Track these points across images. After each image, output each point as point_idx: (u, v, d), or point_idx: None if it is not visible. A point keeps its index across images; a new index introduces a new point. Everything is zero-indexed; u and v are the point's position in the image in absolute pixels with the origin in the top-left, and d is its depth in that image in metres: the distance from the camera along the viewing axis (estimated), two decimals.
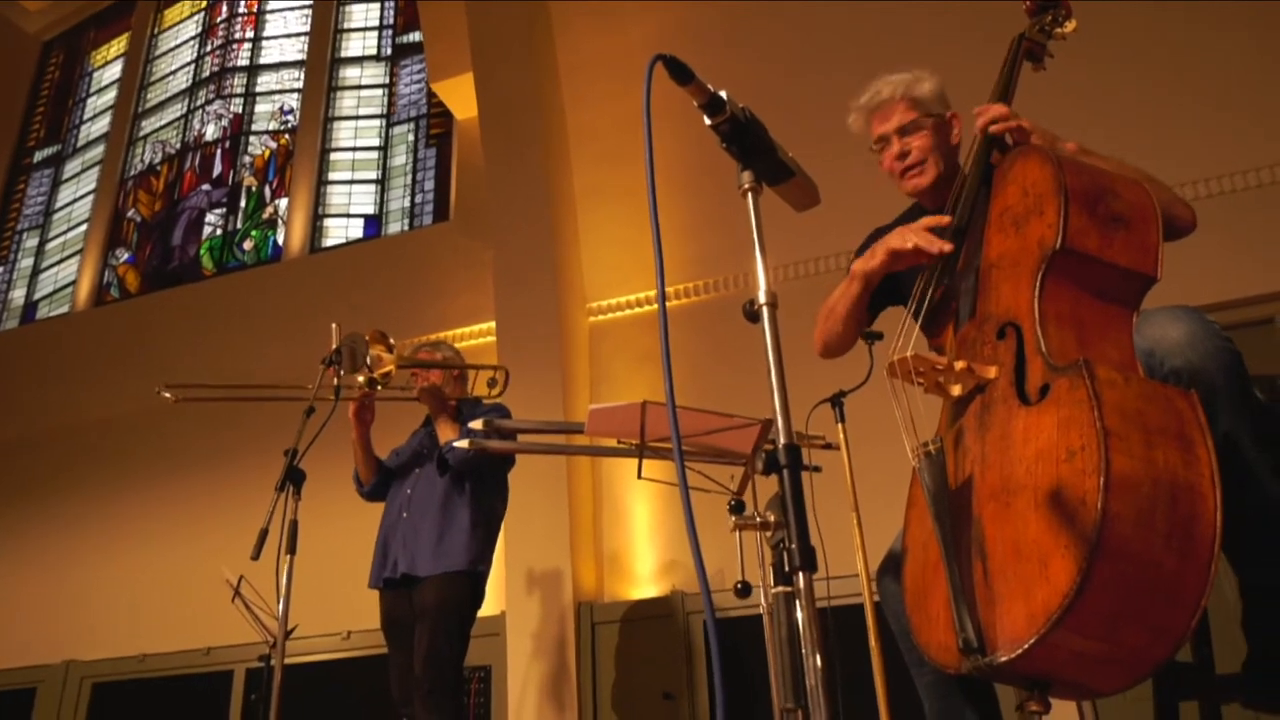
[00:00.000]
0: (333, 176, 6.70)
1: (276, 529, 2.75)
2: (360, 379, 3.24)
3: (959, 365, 1.55)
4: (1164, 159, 3.86)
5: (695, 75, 1.28)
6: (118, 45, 8.18)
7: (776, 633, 1.12)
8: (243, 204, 6.93)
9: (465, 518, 3.31)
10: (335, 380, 3.04)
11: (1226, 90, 4.23)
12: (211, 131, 7.32)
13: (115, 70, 8.05)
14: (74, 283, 7.15)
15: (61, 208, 7.69)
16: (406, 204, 6.36)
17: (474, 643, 3.32)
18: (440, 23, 5.88)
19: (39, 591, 5.76)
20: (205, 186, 7.13)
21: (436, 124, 6.48)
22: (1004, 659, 1.30)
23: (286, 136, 7.02)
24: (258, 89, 7.33)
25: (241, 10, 7.74)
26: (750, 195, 1.32)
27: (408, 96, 6.74)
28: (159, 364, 5.94)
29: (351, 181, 6.64)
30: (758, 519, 1.19)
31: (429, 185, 6.33)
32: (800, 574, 1.10)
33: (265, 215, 6.81)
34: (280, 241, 6.60)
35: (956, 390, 1.56)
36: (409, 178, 6.44)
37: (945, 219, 1.79)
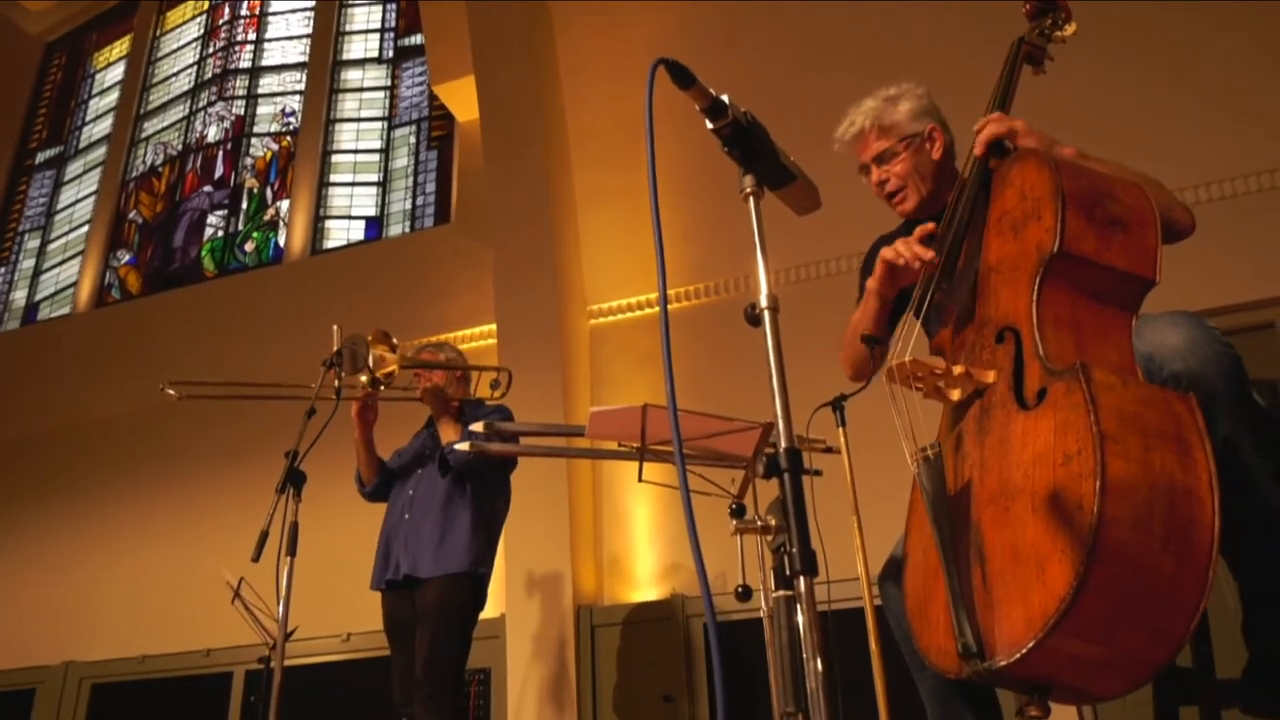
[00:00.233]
0: (334, 178, 6.71)
1: (277, 531, 2.75)
2: (363, 379, 3.24)
3: (958, 370, 1.55)
4: (1164, 162, 3.86)
5: (697, 79, 1.28)
6: (120, 47, 8.20)
7: (777, 636, 1.13)
8: (244, 206, 6.93)
9: (467, 519, 3.31)
10: (336, 382, 3.04)
11: (1227, 94, 4.23)
12: (213, 133, 7.33)
13: (117, 72, 8.06)
14: (75, 284, 7.16)
15: (63, 209, 7.70)
16: (408, 206, 6.37)
17: (474, 645, 3.31)
18: (442, 25, 5.89)
19: (38, 592, 5.77)
20: (207, 188, 7.14)
21: (438, 126, 6.49)
22: (1003, 663, 1.30)
23: (288, 138, 7.03)
24: (260, 91, 7.34)
25: (244, 12, 7.75)
26: (752, 199, 1.32)
27: (409, 99, 6.75)
28: (160, 365, 5.94)
29: (353, 184, 6.65)
30: (758, 523, 1.19)
31: (430, 187, 6.34)
32: (801, 578, 1.10)
33: (267, 217, 6.81)
34: (281, 243, 6.61)
35: (955, 395, 1.56)
36: (410, 180, 6.45)
37: (931, 226, 1.81)
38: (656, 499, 4.59)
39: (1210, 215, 3.96)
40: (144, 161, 7.52)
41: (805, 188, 1.40)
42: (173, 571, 5.34)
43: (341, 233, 6.50)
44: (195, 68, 7.72)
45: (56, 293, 7.30)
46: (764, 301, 1.25)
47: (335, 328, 3.18)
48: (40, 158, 8.06)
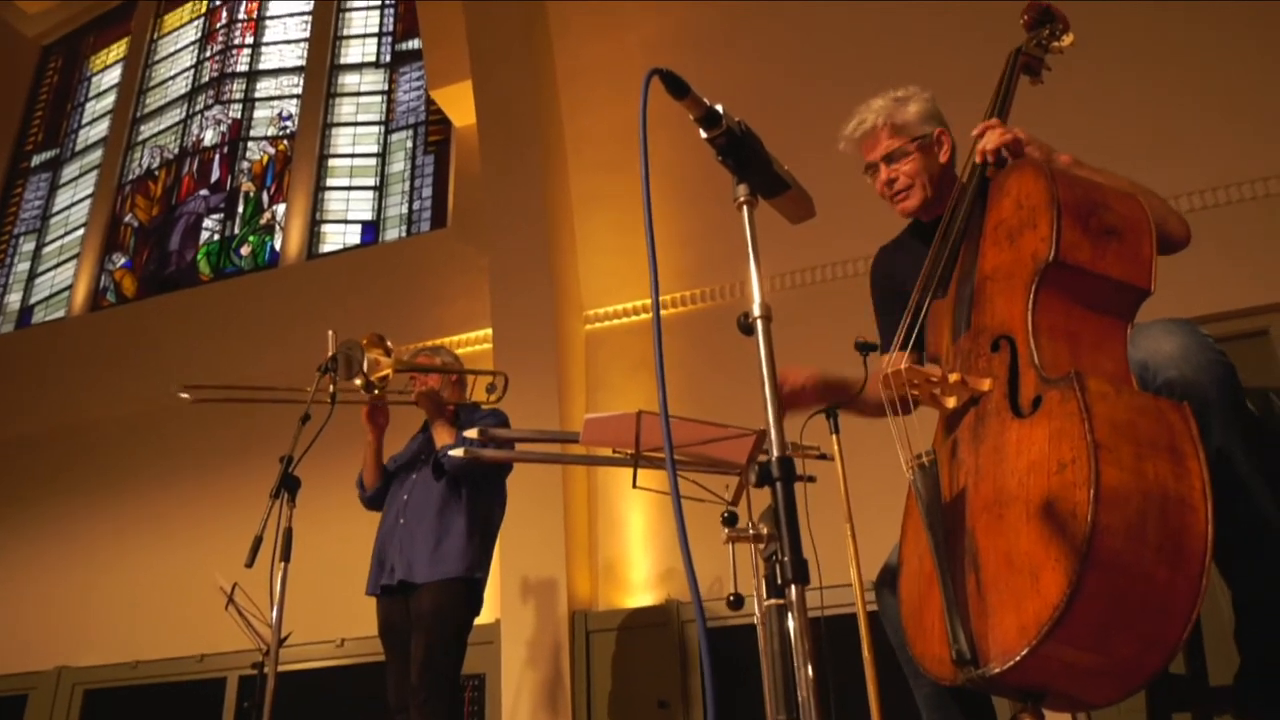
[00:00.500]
0: (331, 182, 6.71)
1: (271, 536, 2.75)
2: (358, 383, 3.24)
3: (953, 378, 1.55)
4: (1161, 168, 3.89)
5: (691, 89, 1.29)
6: (117, 50, 8.19)
7: (769, 644, 1.13)
8: (240, 209, 6.93)
9: (462, 524, 3.30)
10: (331, 387, 3.04)
11: (1225, 100, 4.24)
12: (210, 137, 7.32)
13: (114, 75, 8.06)
14: (70, 287, 7.15)
15: (59, 212, 7.69)
16: (404, 210, 6.37)
17: (468, 650, 3.31)
18: (439, 30, 5.89)
19: (30, 597, 5.74)
20: (203, 192, 7.13)
21: (435, 131, 6.50)
22: (996, 671, 1.31)
23: (285, 142, 7.03)
24: (257, 95, 7.34)
25: (241, 16, 7.75)
26: (745, 208, 1.33)
27: (406, 103, 6.76)
28: (155, 369, 5.94)
29: (350, 188, 6.65)
30: (751, 531, 1.19)
31: (426, 192, 6.34)
32: (792, 586, 1.10)
33: (263, 221, 6.81)
34: (278, 247, 6.60)
35: (951, 402, 1.57)
36: (407, 184, 6.45)
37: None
38: (651, 504, 4.59)
39: (1207, 221, 3.99)
40: (140, 165, 7.52)
41: (799, 197, 1.40)
42: (166, 577, 5.32)
43: (338, 237, 6.50)
44: (192, 71, 7.72)
45: (51, 296, 7.29)
46: (757, 310, 1.25)
47: (330, 333, 3.18)
48: (36, 160, 8.05)
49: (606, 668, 4.28)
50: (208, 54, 7.71)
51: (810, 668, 1.08)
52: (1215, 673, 1.72)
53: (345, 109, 6.97)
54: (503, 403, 3.61)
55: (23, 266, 7.60)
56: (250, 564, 2.63)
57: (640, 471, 1.63)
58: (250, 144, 7.15)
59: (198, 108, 7.50)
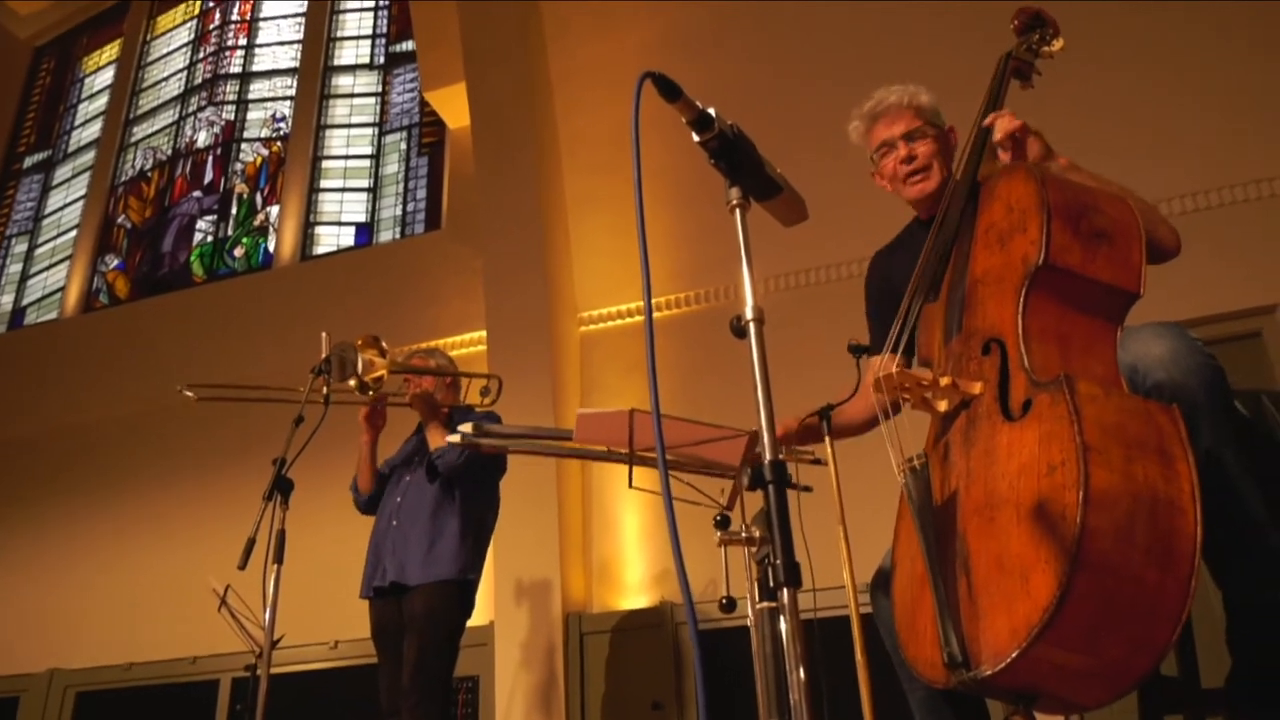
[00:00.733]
0: (324, 184, 6.70)
1: (264, 538, 2.74)
2: (351, 384, 3.24)
3: (944, 381, 1.56)
4: (1153, 171, 3.91)
5: (683, 92, 1.29)
6: (110, 51, 8.17)
7: (761, 647, 1.13)
8: (234, 211, 6.92)
9: (455, 526, 3.30)
10: (325, 389, 3.03)
11: (1219, 102, 4.26)
12: (203, 138, 7.31)
13: (107, 76, 8.04)
14: (63, 289, 7.13)
15: (51, 213, 7.67)
16: (398, 212, 6.36)
17: (462, 653, 3.30)
18: (433, 32, 5.89)
19: (22, 599, 5.72)
20: (196, 193, 7.12)
21: (429, 133, 6.49)
22: (988, 673, 1.31)
23: (278, 144, 7.02)
24: (250, 96, 7.33)
25: (235, 17, 7.74)
26: (738, 211, 1.33)
27: (400, 105, 6.75)
28: (147, 371, 5.92)
29: (343, 189, 6.64)
30: (743, 534, 1.19)
31: (421, 194, 6.33)
32: (784, 589, 1.10)
33: (256, 222, 6.80)
34: (271, 249, 6.59)
35: (942, 406, 1.57)
36: (401, 186, 6.45)
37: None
38: (646, 506, 4.59)
39: (1199, 223, 4.01)
40: (133, 166, 7.50)
41: (791, 199, 1.41)
42: (159, 579, 5.31)
43: (331, 238, 6.49)
44: (185, 72, 7.70)
45: (44, 298, 7.26)
46: (749, 313, 1.25)
47: (324, 334, 3.17)
48: (28, 162, 8.02)
49: (600, 670, 4.28)
50: (201, 55, 7.70)
51: (802, 670, 1.08)
52: (1207, 675, 1.72)
53: (339, 111, 6.96)
54: (497, 404, 3.61)
55: (15, 268, 7.57)
56: (243, 566, 2.63)
57: (636, 471, 1.63)
58: (244, 146, 7.14)
59: (191, 109, 7.49)
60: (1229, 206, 4.13)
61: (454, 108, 5.83)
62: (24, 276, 7.48)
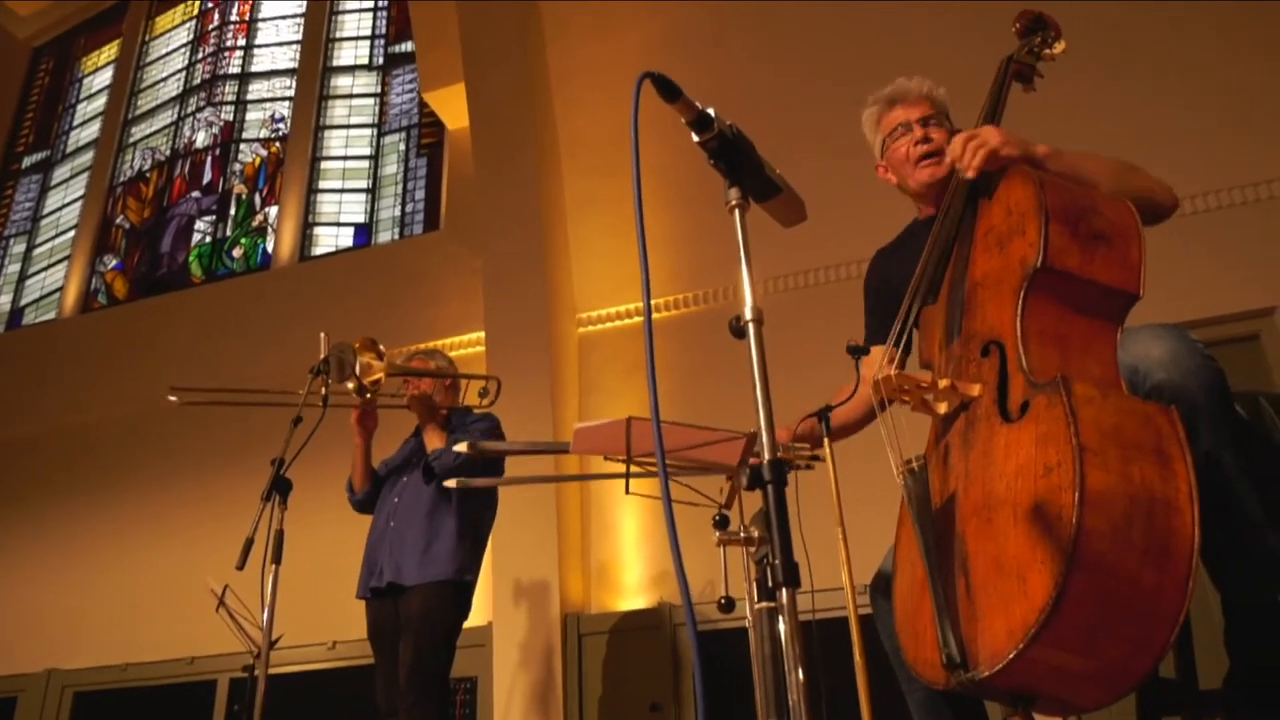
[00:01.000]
0: (323, 185, 6.70)
1: (262, 538, 2.74)
2: (350, 386, 3.24)
3: (943, 383, 1.56)
4: (1152, 173, 3.91)
5: (683, 92, 1.29)
6: (109, 51, 8.17)
7: (760, 648, 1.13)
8: (232, 211, 6.92)
9: (452, 526, 3.30)
10: (323, 390, 3.03)
11: (1216, 105, 4.27)
12: (202, 139, 7.31)
13: (106, 76, 8.04)
14: (61, 289, 7.12)
15: (49, 213, 7.66)
16: (397, 213, 6.36)
17: (460, 653, 3.30)
18: (432, 32, 5.89)
19: (20, 599, 5.72)
20: (195, 194, 7.12)
21: (428, 134, 6.49)
22: (986, 674, 1.31)
23: (277, 144, 7.02)
24: (249, 97, 7.33)
25: (233, 18, 7.74)
26: (737, 212, 1.33)
27: (399, 106, 6.75)
28: (146, 372, 5.92)
29: (342, 190, 6.64)
30: (742, 534, 1.19)
31: (420, 194, 6.33)
32: (783, 590, 1.10)
33: (255, 223, 6.79)
34: (270, 249, 6.59)
35: (942, 408, 1.57)
36: (400, 187, 6.45)
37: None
38: (645, 507, 4.59)
39: (1198, 226, 4.01)
40: (132, 167, 7.50)
41: (791, 200, 1.41)
42: (157, 579, 5.30)
43: (330, 239, 6.49)
44: (184, 73, 7.70)
45: (42, 298, 7.26)
46: (748, 314, 1.25)
47: (322, 335, 3.18)
48: (27, 162, 8.02)
49: (598, 671, 4.27)
50: (200, 56, 7.70)
51: (801, 671, 1.08)
52: (1205, 676, 1.72)
53: (338, 111, 6.96)
54: (495, 405, 3.61)
55: (13, 268, 7.57)
56: (241, 566, 2.63)
57: (632, 479, 1.63)
58: (242, 146, 7.14)
59: (190, 110, 7.48)
60: (1228, 209, 4.13)
61: (453, 108, 5.83)
62: (22, 276, 7.48)
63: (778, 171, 1.41)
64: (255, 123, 7.20)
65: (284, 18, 7.54)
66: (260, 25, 7.60)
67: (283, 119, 7.08)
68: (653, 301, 4.61)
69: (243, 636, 3.24)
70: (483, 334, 5.13)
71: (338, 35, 7.26)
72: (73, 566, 5.69)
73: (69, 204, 7.58)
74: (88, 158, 7.68)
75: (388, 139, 6.67)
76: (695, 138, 1.34)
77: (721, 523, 1.25)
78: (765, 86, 5.01)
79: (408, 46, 6.78)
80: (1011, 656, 1.26)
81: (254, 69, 7.42)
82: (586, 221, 5.27)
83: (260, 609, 2.80)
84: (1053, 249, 1.54)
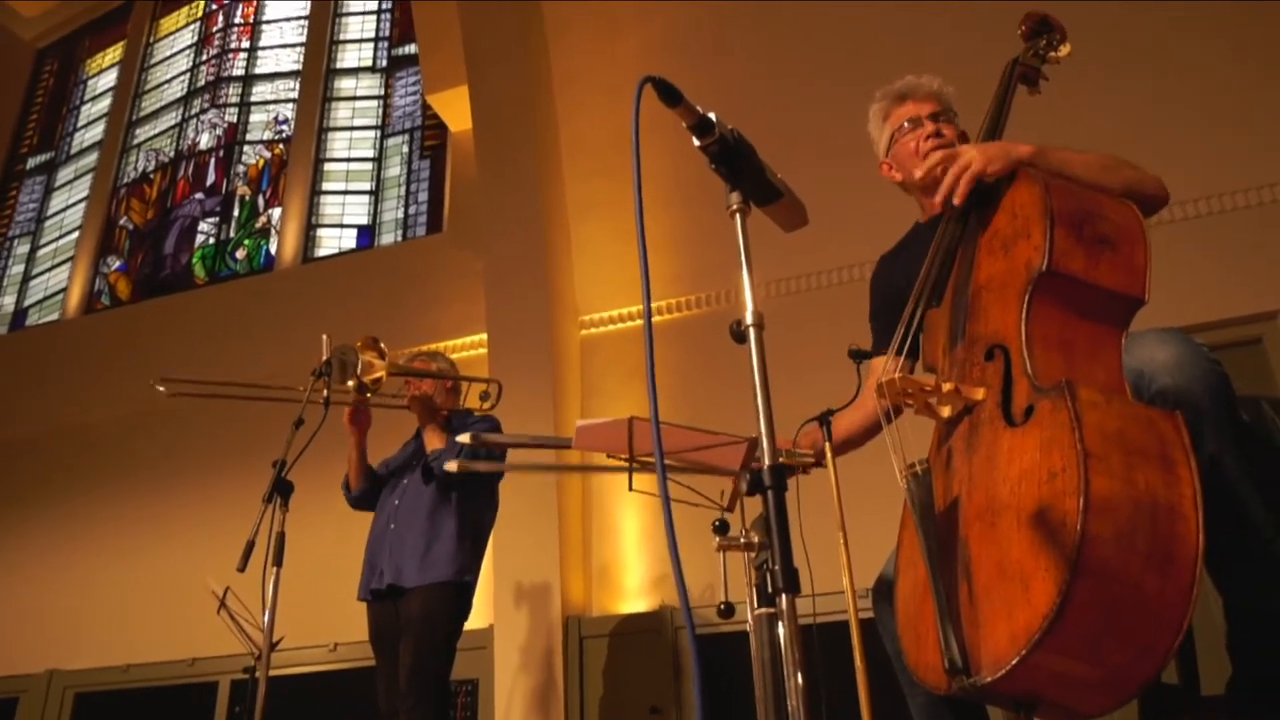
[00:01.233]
0: (326, 187, 6.70)
1: (263, 540, 2.74)
2: (350, 385, 3.24)
3: (947, 387, 1.55)
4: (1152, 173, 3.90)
5: (684, 97, 1.28)
6: (113, 53, 8.19)
7: (759, 653, 1.12)
8: (236, 213, 6.92)
9: (452, 528, 3.29)
10: (325, 391, 3.03)
11: (1218, 108, 4.26)
12: (206, 140, 7.32)
13: (110, 78, 8.05)
14: (65, 290, 7.13)
15: (53, 214, 7.68)
16: (400, 215, 6.37)
17: (461, 656, 3.30)
18: (435, 35, 5.90)
19: (21, 600, 5.72)
20: (198, 195, 7.13)
21: (431, 136, 6.50)
22: (988, 679, 1.30)
23: (281, 146, 7.03)
24: (252, 99, 7.34)
25: (238, 20, 7.75)
26: (738, 216, 1.32)
27: (402, 108, 6.76)
28: (149, 372, 5.86)
29: (345, 192, 6.64)
30: (742, 539, 1.19)
31: (422, 196, 6.34)
32: (782, 595, 1.10)
33: (258, 225, 6.80)
34: (273, 251, 6.60)
35: (946, 412, 1.57)
36: (403, 189, 6.45)
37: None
38: (646, 509, 4.58)
39: (1200, 230, 4.01)
40: (135, 168, 7.51)
41: (792, 205, 1.40)
42: (158, 580, 5.30)
43: (333, 241, 6.49)
44: (188, 75, 7.71)
45: (46, 299, 7.27)
46: (749, 318, 1.25)
47: (324, 337, 3.17)
48: (31, 163, 8.03)
49: (599, 674, 4.27)
50: (204, 58, 7.71)
51: (801, 676, 1.08)
52: (1208, 682, 1.72)
53: (341, 113, 6.97)
54: (497, 408, 3.61)
55: (17, 269, 7.58)
56: (242, 568, 2.63)
57: (635, 476, 1.62)
58: (246, 148, 7.15)
59: (193, 111, 7.50)
60: (1230, 213, 4.12)
61: (456, 110, 5.84)
62: (26, 278, 7.49)
63: (779, 175, 1.41)
64: (259, 124, 7.21)
65: (288, 20, 7.55)
66: (264, 28, 7.62)
67: (286, 121, 7.09)
68: (653, 304, 4.61)
69: (244, 638, 3.23)
70: (485, 336, 5.13)
71: (341, 38, 7.27)
72: (73, 567, 5.69)
73: (73, 205, 7.59)
74: (92, 159, 7.69)
75: (391, 141, 6.68)
76: (696, 142, 1.33)
77: (721, 528, 1.24)
78: (767, 89, 5.01)
79: (411, 49, 6.78)
80: (1014, 662, 1.26)
81: (258, 71, 7.43)
82: (588, 224, 5.27)
83: (261, 611, 2.79)
84: (1058, 253, 1.53)
